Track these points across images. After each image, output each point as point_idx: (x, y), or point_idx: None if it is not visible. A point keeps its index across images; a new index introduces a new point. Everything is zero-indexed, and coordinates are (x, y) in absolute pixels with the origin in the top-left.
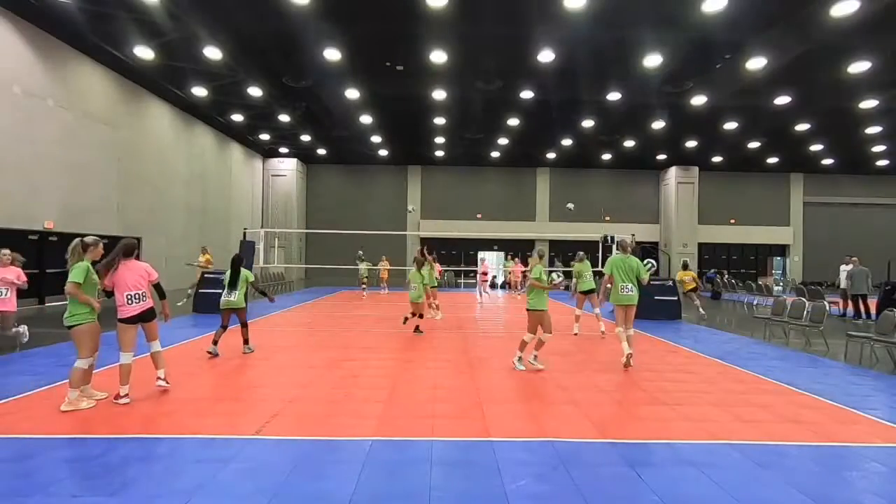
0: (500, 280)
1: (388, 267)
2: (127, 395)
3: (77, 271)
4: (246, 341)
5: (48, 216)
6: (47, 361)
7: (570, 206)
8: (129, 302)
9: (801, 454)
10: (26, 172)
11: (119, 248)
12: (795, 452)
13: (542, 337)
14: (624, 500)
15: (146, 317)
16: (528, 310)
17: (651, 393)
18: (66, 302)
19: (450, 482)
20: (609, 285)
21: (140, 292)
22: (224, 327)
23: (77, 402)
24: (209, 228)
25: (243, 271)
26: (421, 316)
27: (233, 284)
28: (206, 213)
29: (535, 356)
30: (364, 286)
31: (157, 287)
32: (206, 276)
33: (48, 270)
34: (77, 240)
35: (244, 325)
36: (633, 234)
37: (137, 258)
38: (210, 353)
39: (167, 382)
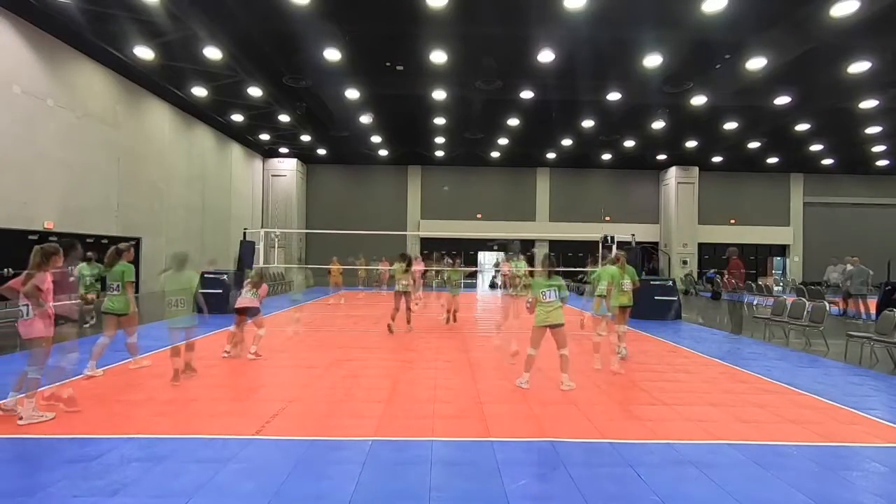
0: (498, 280)
1: (339, 267)
2: (256, 351)
3: (130, 271)
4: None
5: (48, 216)
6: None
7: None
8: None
9: (801, 454)
10: (26, 172)
11: (256, 275)
12: (795, 452)
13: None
14: (624, 500)
15: (247, 312)
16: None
17: (651, 393)
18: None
19: (450, 482)
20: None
21: (247, 292)
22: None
23: (96, 370)
24: (209, 228)
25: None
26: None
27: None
28: (206, 213)
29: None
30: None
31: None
32: (205, 276)
33: None
34: (113, 247)
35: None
36: (634, 234)
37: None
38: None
39: (257, 356)
